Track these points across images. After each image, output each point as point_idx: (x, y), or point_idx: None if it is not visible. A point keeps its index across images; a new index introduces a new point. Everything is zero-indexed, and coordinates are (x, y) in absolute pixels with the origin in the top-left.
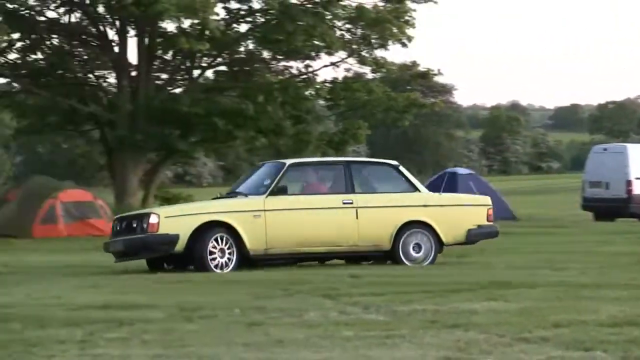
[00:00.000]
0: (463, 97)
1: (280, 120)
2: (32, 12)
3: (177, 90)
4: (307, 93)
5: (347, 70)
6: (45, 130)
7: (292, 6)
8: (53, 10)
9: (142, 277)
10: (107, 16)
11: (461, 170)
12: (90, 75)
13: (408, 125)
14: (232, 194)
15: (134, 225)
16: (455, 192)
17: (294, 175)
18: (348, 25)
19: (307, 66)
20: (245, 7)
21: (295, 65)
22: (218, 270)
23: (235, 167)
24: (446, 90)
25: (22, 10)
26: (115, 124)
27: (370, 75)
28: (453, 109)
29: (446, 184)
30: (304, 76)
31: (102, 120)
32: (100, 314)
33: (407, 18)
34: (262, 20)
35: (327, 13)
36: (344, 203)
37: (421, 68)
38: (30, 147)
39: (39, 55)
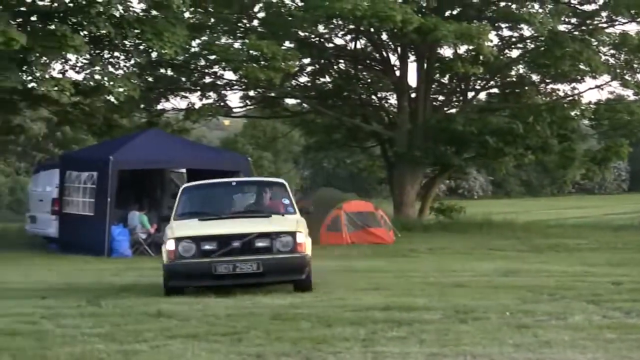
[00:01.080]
0: None
1: (548, 139)
2: (322, 40)
3: (452, 111)
4: (572, 113)
5: (611, 92)
6: (331, 146)
7: (560, 33)
8: (340, 37)
9: (416, 280)
10: (390, 43)
11: None
12: (373, 97)
13: None
14: (253, 213)
15: (262, 244)
16: None
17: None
18: (612, 51)
19: (573, 88)
20: (516, 34)
21: (562, 88)
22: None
23: (503, 181)
24: None
25: (313, 38)
26: (395, 141)
27: (632, 98)
28: None
29: None
30: (570, 98)
31: (383, 138)
32: (382, 314)
33: None
34: (532, 46)
35: (593, 40)
36: None
37: None
38: (316, 162)
39: (327, 79)
